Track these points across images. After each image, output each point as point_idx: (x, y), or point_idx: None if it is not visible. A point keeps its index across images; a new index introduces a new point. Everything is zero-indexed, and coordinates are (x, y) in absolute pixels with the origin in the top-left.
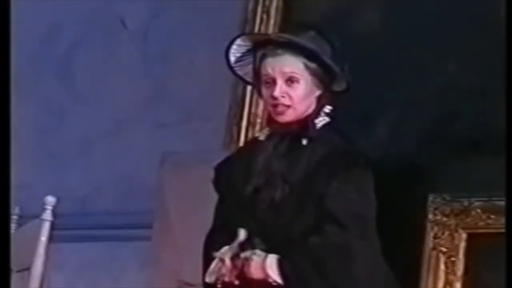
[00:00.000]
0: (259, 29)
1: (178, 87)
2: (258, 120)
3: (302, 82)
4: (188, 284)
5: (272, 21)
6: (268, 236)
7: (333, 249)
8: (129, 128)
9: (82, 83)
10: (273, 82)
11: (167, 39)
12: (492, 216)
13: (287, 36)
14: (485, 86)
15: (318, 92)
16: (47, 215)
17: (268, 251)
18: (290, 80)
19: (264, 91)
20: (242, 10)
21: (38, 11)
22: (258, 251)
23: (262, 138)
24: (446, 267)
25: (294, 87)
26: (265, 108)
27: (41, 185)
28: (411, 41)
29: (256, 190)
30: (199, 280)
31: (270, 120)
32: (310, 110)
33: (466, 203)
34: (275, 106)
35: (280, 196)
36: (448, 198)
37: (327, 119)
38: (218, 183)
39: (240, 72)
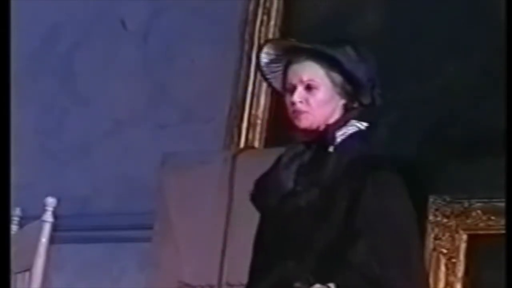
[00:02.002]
0: (260, 30)
1: (179, 88)
2: (259, 122)
3: (322, 88)
4: (188, 285)
5: (272, 22)
6: (292, 245)
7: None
8: (129, 129)
9: (82, 83)
10: (293, 88)
11: (167, 40)
12: (493, 217)
13: (310, 44)
14: (486, 87)
15: (342, 101)
16: (48, 216)
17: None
18: (309, 87)
19: (287, 98)
20: (242, 11)
21: (38, 11)
22: (317, 285)
23: (291, 149)
24: (447, 268)
25: (313, 93)
26: (289, 117)
27: (41, 186)
28: (411, 41)
29: (285, 196)
30: (199, 281)
31: (293, 129)
32: (334, 119)
33: (466, 204)
34: (293, 112)
35: (307, 201)
36: (448, 199)
37: (355, 128)
38: (254, 197)
39: (275, 84)
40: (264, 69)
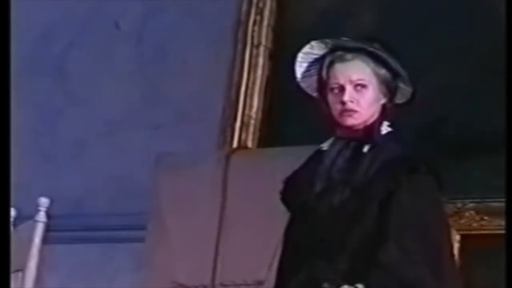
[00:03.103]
0: (253, 30)
1: (172, 88)
2: (252, 122)
3: (370, 87)
4: (182, 285)
5: (265, 22)
6: (323, 245)
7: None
8: (124, 129)
9: (77, 84)
10: (341, 88)
11: (161, 40)
12: (486, 218)
13: (356, 42)
14: (480, 88)
15: (383, 100)
16: (41, 217)
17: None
18: (359, 86)
19: (331, 98)
20: (235, 11)
21: (33, 12)
22: (346, 286)
23: (325, 148)
24: None
25: (363, 93)
26: (328, 116)
27: (35, 187)
28: (406, 42)
29: (318, 196)
30: (193, 281)
31: (334, 127)
32: (374, 118)
33: (459, 205)
34: (342, 111)
35: (340, 200)
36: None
37: (388, 129)
38: (285, 196)
39: (303, 84)
40: (297, 68)
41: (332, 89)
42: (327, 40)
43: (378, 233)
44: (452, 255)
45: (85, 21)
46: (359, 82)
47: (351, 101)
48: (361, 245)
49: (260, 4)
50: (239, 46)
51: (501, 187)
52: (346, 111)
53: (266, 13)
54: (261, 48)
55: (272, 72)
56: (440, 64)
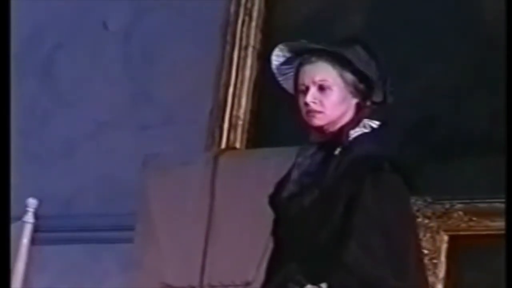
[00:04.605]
0: (241, 31)
1: (160, 89)
2: (240, 122)
3: (335, 88)
4: (170, 286)
5: (254, 23)
6: (297, 245)
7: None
8: (112, 130)
9: (65, 85)
10: (307, 89)
11: (149, 41)
12: (474, 218)
13: (320, 44)
14: (468, 89)
15: (354, 100)
16: (29, 217)
17: (298, 265)
18: (322, 87)
19: (301, 99)
20: (224, 12)
21: (20, 13)
22: (309, 286)
23: (301, 149)
24: (428, 269)
25: (327, 94)
26: (301, 118)
27: (23, 187)
28: (394, 43)
29: (291, 198)
30: (181, 282)
31: (308, 129)
32: (347, 119)
33: (448, 205)
34: (307, 112)
35: (309, 201)
36: (429, 200)
37: (366, 129)
38: (270, 200)
39: (285, 86)
40: (275, 71)
41: (301, 91)
42: (293, 43)
43: (342, 233)
44: (419, 254)
45: (73, 22)
46: (322, 83)
47: (314, 102)
48: (327, 245)
49: (249, 5)
50: (227, 47)
51: (489, 188)
52: (309, 111)
53: (255, 14)
54: (250, 49)
55: (260, 73)
56: (428, 65)
